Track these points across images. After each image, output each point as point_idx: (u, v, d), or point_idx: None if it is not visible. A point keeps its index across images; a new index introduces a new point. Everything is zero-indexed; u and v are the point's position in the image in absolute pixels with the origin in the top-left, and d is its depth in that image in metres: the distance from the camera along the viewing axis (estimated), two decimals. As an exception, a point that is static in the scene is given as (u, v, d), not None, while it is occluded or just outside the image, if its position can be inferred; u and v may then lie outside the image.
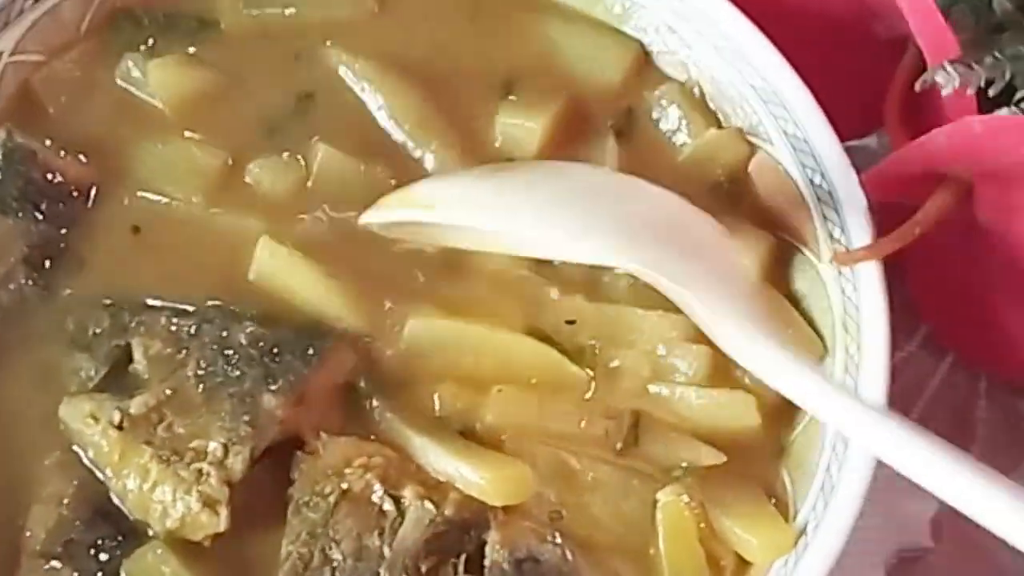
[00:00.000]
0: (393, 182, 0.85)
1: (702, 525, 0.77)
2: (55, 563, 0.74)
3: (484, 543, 0.75)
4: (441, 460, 0.77)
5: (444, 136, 0.88)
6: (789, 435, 0.81)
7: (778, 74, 0.86)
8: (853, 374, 0.79)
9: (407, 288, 0.83)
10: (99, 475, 0.76)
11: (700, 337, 0.80)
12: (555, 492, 0.77)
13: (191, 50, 0.90)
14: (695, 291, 0.76)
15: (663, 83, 0.91)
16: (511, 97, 0.90)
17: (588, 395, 0.81)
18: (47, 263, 0.82)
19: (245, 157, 0.86)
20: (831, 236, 0.83)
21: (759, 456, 0.81)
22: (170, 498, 0.74)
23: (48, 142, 0.85)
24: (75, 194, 0.84)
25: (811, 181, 0.84)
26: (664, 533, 0.77)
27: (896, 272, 0.82)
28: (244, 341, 0.78)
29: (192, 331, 0.79)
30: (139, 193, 0.85)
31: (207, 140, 0.87)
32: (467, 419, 0.79)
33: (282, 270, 0.82)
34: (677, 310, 0.79)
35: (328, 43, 0.90)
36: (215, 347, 0.78)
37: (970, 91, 0.78)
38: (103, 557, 0.74)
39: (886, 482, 0.74)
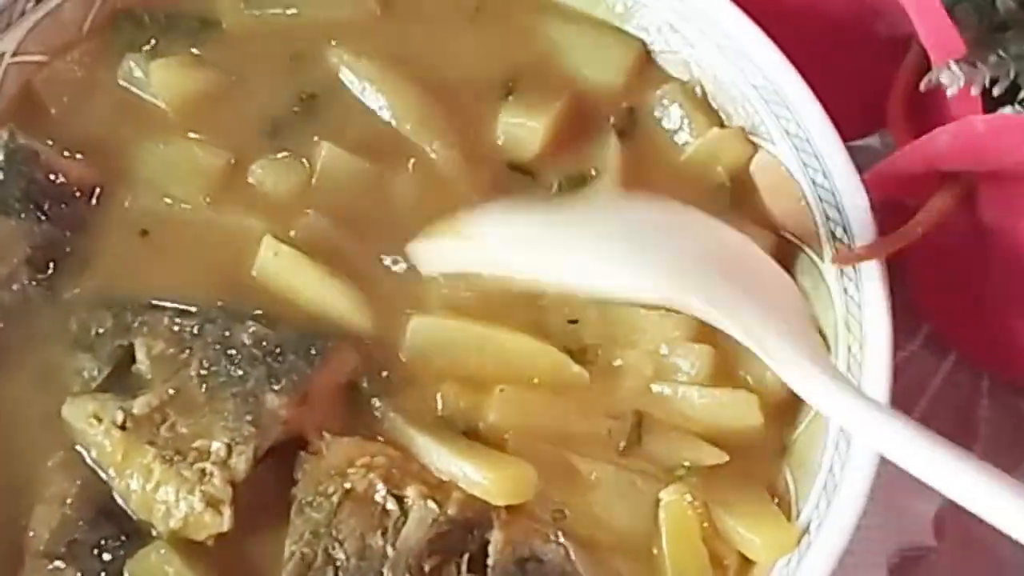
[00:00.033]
0: (394, 182, 0.85)
1: (705, 524, 0.77)
2: (59, 563, 0.74)
3: (487, 542, 0.75)
4: (444, 460, 0.77)
5: (446, 135, 0.88)
6: (791, 434, 0.81)
7: (780, 73, 0.86)
8: (855, 373, 0.79)
9: (410, 288, 0.83)
10: (102, 475, 0.76)
11: (702, 336, 0.80)
12: (558, 492, 0.78)
13: (193, 50, 0.90)
14: (748, 324, 0.74)
15: (665, 82, 0.92)
16: (513, 97, 0.90)
17: (591, 395, 0.81)
18: (50, 264, 0.83)
19: (248, 157, 0.86)
20: (833, 235, 0.83)
21: (762, 455, 0.81)
22: (173, 498, 0.74)
23: (50, 143, 0.86)
24: (78, 195, 0.84)
25: (813, 181, 0.84)
26: (667, 532, 0.77)
27: (898, 271, 0.82)
28: (247, 341, 0.78)
29: (195, 331, 0.79)
30: (141, 193, 0.85)
31: (209, 140, 0.87)
32: (470, 419, 0.79)
33: (285, 269, 0.82)
34: (678, 310, 0.79)
35: (331, 43, 0.90)
36: (218, 347, 0.78)
37: (975, 90, 0.79)
38: (106, 557, 0.74)
39: (889, 481, 0.74)
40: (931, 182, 0.82)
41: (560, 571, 0.75)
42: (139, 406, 0.76)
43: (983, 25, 0.84)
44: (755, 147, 0.89)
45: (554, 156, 0.88)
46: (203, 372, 0.77)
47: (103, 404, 0.77)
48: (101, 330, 0.80)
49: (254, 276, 0.83)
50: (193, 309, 0.81)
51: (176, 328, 0.79)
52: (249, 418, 0.75)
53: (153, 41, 0.90)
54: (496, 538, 0.75)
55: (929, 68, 0.81)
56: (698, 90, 0.91)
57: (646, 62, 0.93)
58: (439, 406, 0.80)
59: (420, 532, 0.74)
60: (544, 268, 0.78)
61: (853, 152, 0.84)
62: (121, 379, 0.79)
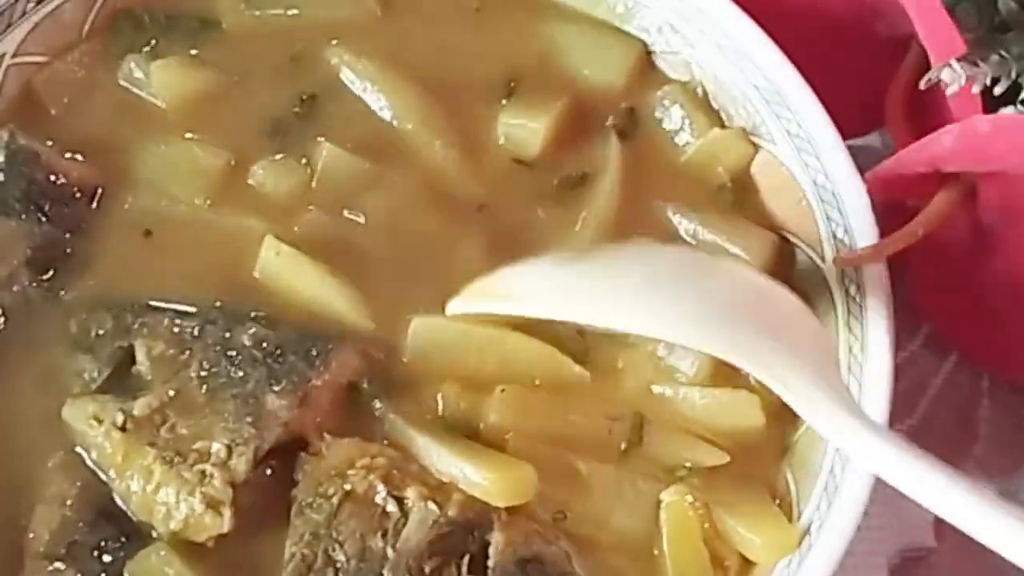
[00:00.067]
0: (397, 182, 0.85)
1: (706, 525, 0.77)
2: (59, 564, 0.74)
3: (488, 544, 0.75)
4: (444, 461, 0.77)
5: (446, 136, 0.88)
6: (792, 435, 0.81)
7: (781, 73, 0.86)
8: (856, 374, 0.79)
9: (411, 289, 0.83)
10: (102, 476, 0.76)
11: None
12: (559, 493, 0.77)
13: (193, 51, 0.90)
14: (777, 371, 0.73)
15: (666, 83, 0.92)
16: (513, 97, 0.90)
17: (591, 396, 0.81)
18: (51, 265, 0.82)
19: (248, 158, 0.86)
20: (834, 236, 0.83)
21: (763, 456, 0.81)
22: (174, 499, 0.74)
23: (51, 143, 0.86)
24: (78, 195, 0.84)
25: (814, 181, 0.84)
26: (668, 533, 0.77)
27: (899, 272, 0.81)
28: (247, 342, 0.78)
29: (195, 332, 0.79)
30: (142, 194, 0.85)
31: (210, 141, 0.87)
32: (470, 419, 0.79)
33: (286, 270, 0.82)
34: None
35: (332, 43, 0.90)
36: (218, 348, 0.78)
37: (976, 89, 0.78)
38: (106, 558, 0.74)
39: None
40: (932, 183, 0.82)
41: (561, 572, 0.75)
42: (139, 407, 0.76)
43: (984, 25, 0.84)
44: (756, 148, 0.89)
45: (554, 156, 0.88)
46: (203, 373, 0.77)
47: (103, 405, 0.76)
48: (101, 331, 0.80)
49: (256, 277, 0.83)
50: (193, 310, 0.81)
51: (176, 329, 0.79)
52: (249, 419, 0.75)
53: (153, 42, 0.90)
54: (497, 539, 0.75)
55: (929, 68, 0.80)
56: (699, 91, 0.91)
57: (647, 63, 0.93)
58: (440, 407, 0.80)
59: (420, 533, 0.74)
60: (578, 317, 0.78)
61: (854, 152, 0.84)
62: (121, 380, 0.78)
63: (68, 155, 0.86)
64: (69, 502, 0.75)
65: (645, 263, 0.80)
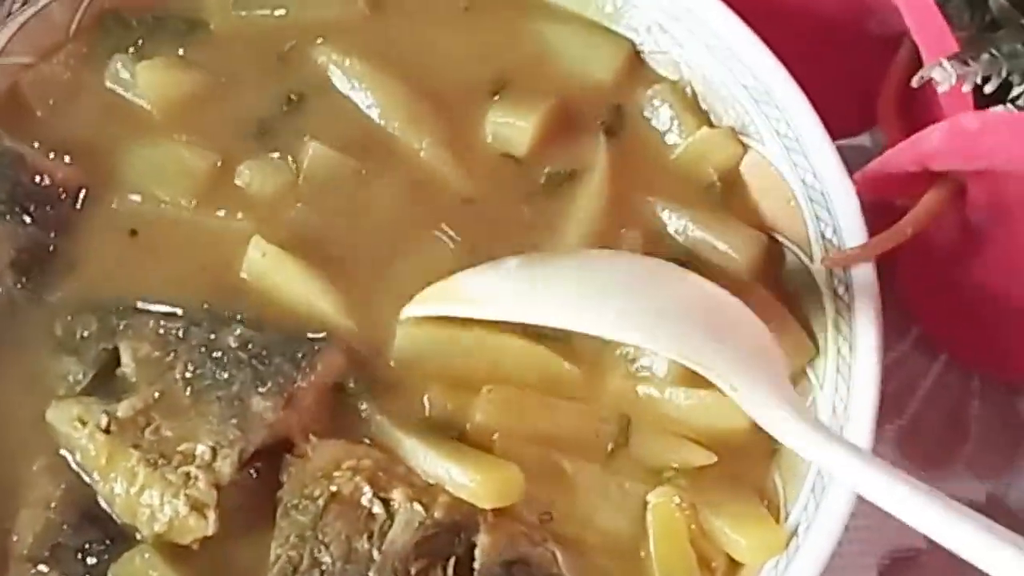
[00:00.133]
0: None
1: (693, 526, 0.77)
2: (42, 567, 0.74)
3: (474, 545, 0.74)
4: (431, 462, 0.76)
5: (434, 134, 0.88)
6: (779, 436, 0.81)
7: (770, 73, 0.86)
8: (845, 375, 0.78)
9: (398, 289, 0.82)
10: (87, 479, 0.76)
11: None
12: (545, 494, 0.77)
13: (180, 52, 0.90)
14: (729, 375, 0.75)
15: (655, 82, 0.91)
16: (501, 96, 0.89)
17: (579, 396, 0.80)
18: (35, 266, 0.82)
19: (235, 158, 0.86)
20: (823, 236, 0.83)
21: (750, 457, 0.80)
22: (158, 502, 0.73)
23: (36, 145, 0.85)
24: (63, 197, 0.84)
25: (803, 181, 0.84)
26: (655, 534, 0.77)
27: (888, 272, 0.81)
28: (233, 344, 0.78)
29: (180, 334, 0.78)
30: (128, 196, 0.85)
31: (196, 142, 0.87)
32: (457, 420, 0.79)
33: (272, 271, 0.82)
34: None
35: (319, 43, 0.90)
36: (203, 350, 0.78)
37: (966, 88, 0.78)
38: (90, 561, 0.74)
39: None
40: (921, 182, 0.82)
41: (547, 574, 0.75)
42: (123, 409, 0.76)
43: (975, 23, 0.84)
44: (745, 147, 0.88)
45: (543, 154, 0.88)
46: (188, 375, 0.77)
47: (87, 407, 0.76)
48: (86, 333, 0.79)
49: (243, 278, 0.82)
50: (179, 312, 0.81)
51: (161, 331, 0.79)
52: (234, 421, 0.75)
53: (140, 42, 0.90)
54: (483, 541, 0.74)
55: (921, 66, 0.80)
56: (688, 90, 0.91)
57: (636, 62, 0.93)
58: (426, 408, 0.79)
59: (406, 535, 0.74)
60: (532, 318, 0.79)
61: (844, 151, 0.84)
62: (106, 382, 0.78)
63: (54, 156, 0.85)
64: (53, 504, 0.75)
65: (603, 268, 0.80)
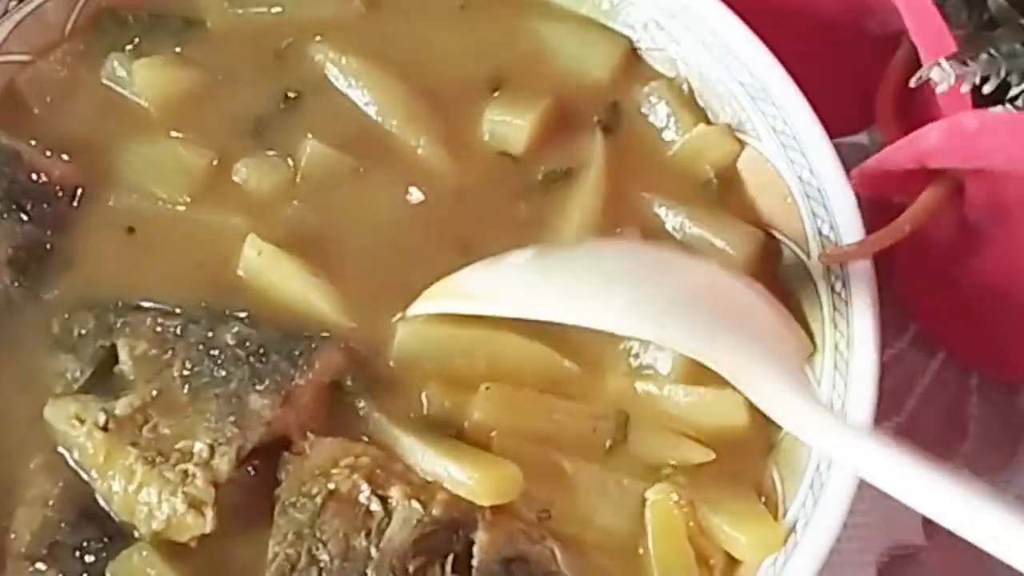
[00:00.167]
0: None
1: (691, 523, 0.77)
2: (40, 565, 0.74)
3: (472, 543, 0.74)
4: (429, 460, 0.76)
5: (431, 132, 0.88)
6: (778, 433, 0.80)
7: (766, 70, 0.86)
8: (843, 371, 0.78)
9: (396, 286, 0.82)
10: (84, 477, 0.76)
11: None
12: (543, 491, 0.77)
13: (177, 49, 0.90)
14: (734, 365, 0.75)
15: (651, 79, 0.92)
16: (498, 94, 0.90)
17: (577, 394, 0.80)
18: (32, 264, 0.82)
19: (232, 156, 0.86)
20: (820, 232, 0.83)
21: (748, 454, 0.80)
22: (156, 499, 0.73)
23: (33, 142, 0.86)
24: (60, 195, 0.84)
25: (800, 177, 0.84)
26: (653, 531, 0.77)
27: (885, 269, 0.81)
28: (230, 341, 0.78)
29: (178, 331, 0.78)
30: (125, 193, 0.85)
31: (193, 139, 0.87)
32: (455, 418, 0.79)
33: (268, 268, 0.82)
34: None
35: (316, 40, 0.90)
36: (201, 347, 0.78)
37: (965, 88, 0.78)
38: (88, 559, 0.74)
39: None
40: (919, 179, 0.82)
41: (545, 571, 0.74)
42: (121, 407, 0.75)
43: (973, 22, 0.84)
44: (742, 144, 0.88)
45: (540, 152, 0.88)
46: (186, 373, 0.77)
47: (85, 405, 0.76)
48: (83, 331, 0.79)
49: (240, 275, 0.82)
50: (177, 310, 0.81)
51: (159, 329, 0.79)
52: (232, 419, 0.75)
53: (137, 40, 0.90)
54: (481, 538, 0.74)
55: (919, 65, 0.80)
56: (684, 87, 0.91)
57: (632, 59, 0.93)
58: (424, 405, 0.79)
59: (404, 533, 0.74)
60: (538, 314, 0.79)
61: (841, 149, 0.84)
62: (104, 380, 0.78)
63: (51, 154, 0.85)
64: (51, 502, 0.75)
65: (608, 258, 0.80)
